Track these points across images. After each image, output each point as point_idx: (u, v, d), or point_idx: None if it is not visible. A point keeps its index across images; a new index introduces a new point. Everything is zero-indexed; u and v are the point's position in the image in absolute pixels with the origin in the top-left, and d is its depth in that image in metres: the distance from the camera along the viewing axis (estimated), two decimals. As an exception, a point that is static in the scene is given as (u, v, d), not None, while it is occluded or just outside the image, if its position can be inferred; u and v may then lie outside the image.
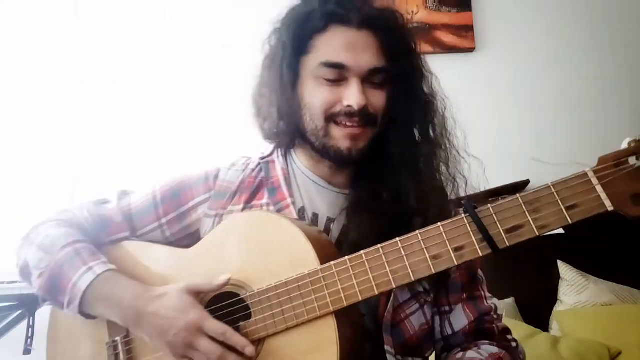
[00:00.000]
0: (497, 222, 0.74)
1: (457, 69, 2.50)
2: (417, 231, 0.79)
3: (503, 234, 0.74)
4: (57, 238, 0.98)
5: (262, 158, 1.09)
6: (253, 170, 1.07)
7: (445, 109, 1.03)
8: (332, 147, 0.96)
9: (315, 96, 0.96)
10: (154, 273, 0.99)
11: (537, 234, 0.73)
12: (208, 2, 2.60)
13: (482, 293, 1.03)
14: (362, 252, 0.81)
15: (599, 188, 0.71)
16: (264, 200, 1.02)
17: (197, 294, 0.89)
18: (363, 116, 0.94)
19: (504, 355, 0.94)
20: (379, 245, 0.81)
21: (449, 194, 1.00)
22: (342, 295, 0.81)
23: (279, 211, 0.99)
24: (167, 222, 1.05)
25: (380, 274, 0.80)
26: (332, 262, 0.83)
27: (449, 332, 1.00)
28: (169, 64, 2.55)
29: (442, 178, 1.00)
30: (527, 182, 2.38)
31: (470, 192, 1.02)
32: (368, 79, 0.95)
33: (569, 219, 0.71)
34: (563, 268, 2.18)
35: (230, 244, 0.93)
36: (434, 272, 0.77)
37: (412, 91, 1.01)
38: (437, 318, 1.01)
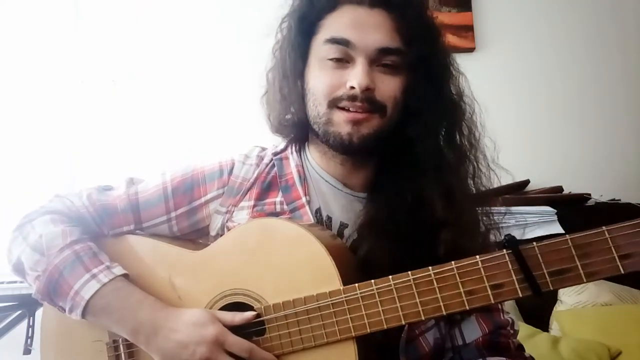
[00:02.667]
0: (542, 264, 0.69)
1: (457, 69, 2.51)
2: (452, 262, 0.73)
3: (547, 277, 0.68)
4: (54, 238, 0.90)
5: (275, 154, 1.02)
6: (267, 165, 1.00)
7: (473, 113, 0.96)
8: (332, 133, 0.89)
9: (319, 79, 0.90)
10: (159, 274, 0.93)
11: (585, 280, 0.68)
12: (208, 1, 2.53)
13: (499, 306, 0.97)
14: (389, 277, 0.76)
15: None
16: (277, 198, 0.96)
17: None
18: (367, 100, 0.86)
19: None
20: (409, 273, 0.75)
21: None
22: (366, 321, 0.76)
23: (293, 211, 0.93)
24: (177, 216, 0.98)
25: (409, 304, 0.74)
26: (355, 285, 0.77)
27: (460, 342, 0.94)
28: (169, 64, 2.49)
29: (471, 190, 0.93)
30: (527, 182, 2.34)
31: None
32: (378, 61, 0.88)
33: (621, 268, 0.66)
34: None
35: (244, 252, 0.87)
36: (467, 308, 0.72)
37: (435, 86, 0.91)
38: (446, 325, 0.95)
